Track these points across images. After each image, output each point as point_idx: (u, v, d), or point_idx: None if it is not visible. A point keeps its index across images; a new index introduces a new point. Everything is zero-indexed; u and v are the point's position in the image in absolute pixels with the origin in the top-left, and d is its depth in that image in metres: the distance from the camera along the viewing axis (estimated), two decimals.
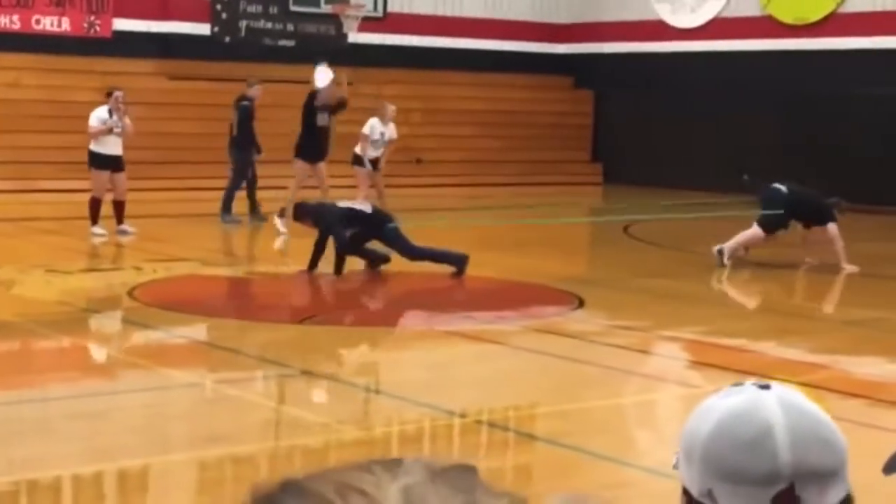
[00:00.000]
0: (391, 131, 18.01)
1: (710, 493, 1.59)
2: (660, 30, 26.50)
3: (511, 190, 23.49)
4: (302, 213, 13.57)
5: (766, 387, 1.62)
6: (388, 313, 12.34)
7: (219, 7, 23.82)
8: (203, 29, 23.70)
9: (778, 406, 1.59)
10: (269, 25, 24.34)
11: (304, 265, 13.29)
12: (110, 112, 16.21)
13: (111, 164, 16.17)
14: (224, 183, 17.96)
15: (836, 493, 1.59)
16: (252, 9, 24.13)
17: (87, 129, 16.24)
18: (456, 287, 13.36)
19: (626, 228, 18.49)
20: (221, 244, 16.59)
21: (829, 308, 13.51)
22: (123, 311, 11.57)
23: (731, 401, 1.61)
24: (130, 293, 11.96)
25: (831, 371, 9.57)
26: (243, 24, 24.09)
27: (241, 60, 23.43)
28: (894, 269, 14.85)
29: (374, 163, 17.83)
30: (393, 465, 0.84)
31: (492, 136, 25.48)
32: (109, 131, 16.11)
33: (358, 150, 17.84)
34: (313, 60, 22.68)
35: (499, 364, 9.83)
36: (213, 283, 13.37)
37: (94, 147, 16.27)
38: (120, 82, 21.82)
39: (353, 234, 13.19)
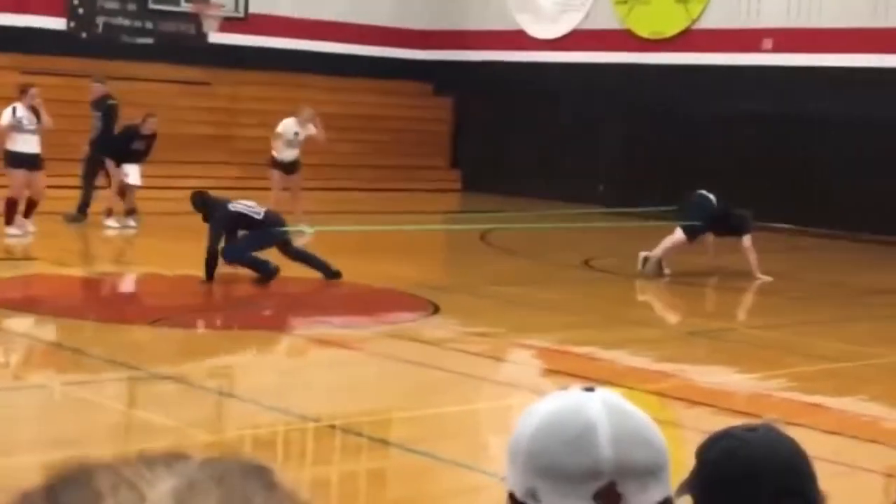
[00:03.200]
0: (309, 131, 18.03)
1: (533, 493, 1.62)
2: (521, 39, 26.76)
3: (369, 195, 23.49)
4: (197, 202, 13.32)
5: (591, 389, 1.67)
6: (241, 317, 12.23)
7: (75, 2, 23.37)
8: (59, 24, 23.23)
9: (601, 406, 1.63)
10: (127, 22, 23.96)
11: (151, 266, 13.09)
12: (14, 110, 16.04)
13: (27, 162, 15.96)
14: (78, 182, 17.78)
15: (658, 493, 1.63)
16: (110, 5, 23.72)
17: None
18: (310, 291, 13.31)
19: (482, 236, 18.63)
20: (73, 244, 16.28)
21: (678, 318, 13.79)
22: None
23: (555, 402, 1.66)
24: None
25: (677, 380, 9.77)
26: (101, 20, 23.67)
27: (98, 57, 23.03)
28: (743, 281, 15.22)
29: (292, 165, 17.78)
30: (175, 461, 0.81)
31: (350, 141, 25.43)
32: (15, 127, 15.88)
33: (273, 151, 17.86)
34: (171, 59, 22.41)
35: (353, 369, 9.83)
36: (62, 282, 13.10)
37: (9, 146, 16.07)
38: None
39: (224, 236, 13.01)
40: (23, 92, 16.30)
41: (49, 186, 17.90)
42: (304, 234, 17.13)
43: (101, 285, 13.37)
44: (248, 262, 13.04)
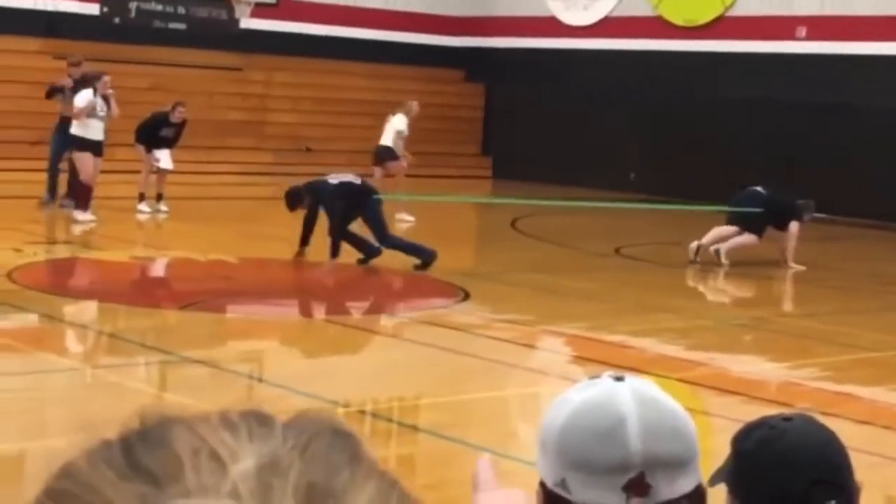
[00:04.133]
0: None
1: (563, 483, 1.62)
2: (552, 26, 26.68)
3: (401, 180, 23.45)
4: (296, 198, 13.08)
5: (621, 378, 1.66)
6: (274, 301, 12.26)
7: None
8: (92, 9, 23.30)
9: (631, 397, 1.62)
10: (160, 8, 24.01)
11: (183, 250, 13.13)
12: (98, 95, 16.17)
13: (93, 147, 16.10)
14: (124, 165, 17.93)
15: (687, 483, 1.62)
16: None
17: (73, 111, 16.14)
18: (341, 277, 13.33)
19: (513, 223, 18.60)
20: (104, 228, 16.34)
21: (709, 306, 13.73)
22: (1, 293, 11.33)
23: (586, 393, 1.65)
24: (9, 275, 11.72)
25: (709, 368, 9.74)
26: (133, 5, 23.73)
27: (130, 42, 23.09)
28: (776, 269, 15.13)
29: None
30: (258, 427, 0.73)
31: (382, 127, 25.45)
32: (92, 110, 15.98)
33: (391, 144, 18.78)
34: (204, 45, 22.44)
35: (382, 355, 9.84)
36: (95, 266, 13.16)
37: (77, 131, 16.14)
38: (3, 60, 21.40)
39: (344, 208, 12.97)
40: (95, 79, 16.43)
41: None
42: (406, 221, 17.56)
43: (132, 270, 13.42)
44: (399, 248, 13.16)
